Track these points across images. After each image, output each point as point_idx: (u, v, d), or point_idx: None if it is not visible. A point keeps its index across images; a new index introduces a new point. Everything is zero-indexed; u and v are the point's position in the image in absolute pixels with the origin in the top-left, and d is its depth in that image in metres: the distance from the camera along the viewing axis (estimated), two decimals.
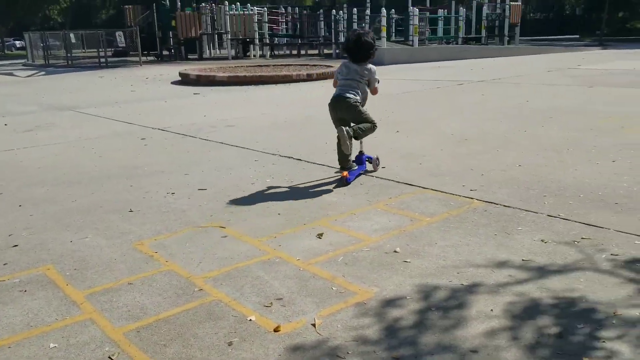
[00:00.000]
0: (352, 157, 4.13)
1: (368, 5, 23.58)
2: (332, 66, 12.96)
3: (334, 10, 21.67)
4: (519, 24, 23.69)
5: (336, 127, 4.05)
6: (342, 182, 3.90)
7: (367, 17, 21.10)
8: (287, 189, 3.83)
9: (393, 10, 23.71)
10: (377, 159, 4.25)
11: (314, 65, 13.68)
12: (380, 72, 12.55)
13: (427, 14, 22.48)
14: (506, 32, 22.20)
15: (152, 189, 3.95)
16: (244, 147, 5.25)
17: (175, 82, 12.08)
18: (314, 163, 4.55)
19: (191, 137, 5.86)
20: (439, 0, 31.03)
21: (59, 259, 2.73)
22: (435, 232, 2.89)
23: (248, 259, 2.63)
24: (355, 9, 20.80)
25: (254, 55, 20.36)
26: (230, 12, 20.04)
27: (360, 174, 4.10)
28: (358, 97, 4.10)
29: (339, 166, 4.16)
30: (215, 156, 4.94)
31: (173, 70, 14.01)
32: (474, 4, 23.65)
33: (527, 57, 17.56)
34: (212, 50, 22.08)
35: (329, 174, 4.20)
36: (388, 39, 18.88)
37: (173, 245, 2.85)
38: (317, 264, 2.55)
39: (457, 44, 20.48)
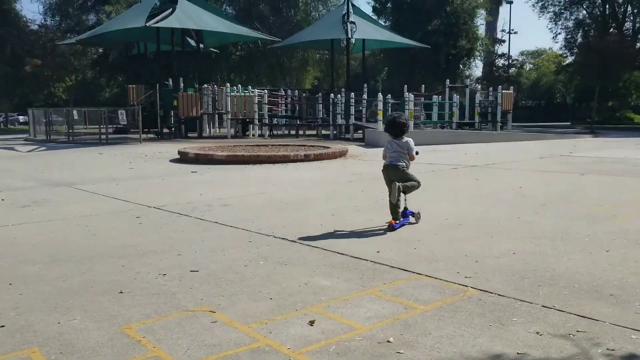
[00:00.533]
0: (401, 209, 5.24)
1: (365, 90, 24.36)
2: (329, 147, 13.21)
3: (332, 94, 22.34)
4: (511, 111, 24.36)
5: (388, 186, 5.33)
6: (389, 228, 5.04)
7: (364, 101, 21.73)
8: (280, 272, 3.80)
9: (389, 95, 24.48)
10: (419, 213, 5.41)
11: (312, 146, 13.93)
12: (376, 154, 12.72)
13: (422, 99, 23.18)
14: (499, 118, 22.78)
15: (143, 269, 3.92)
16: (238, 227, 5.25)
17: (174, 160, 12.25)
18: (308, 245, 4.54)
19: (186, 216, 5.88)
20: (434, 87, 32.08)
21: (45, 341, 2.67)
22: (430, 321, 2.85)
23: (237, 346, 2.58)
24: (353, 93, 21.47)
25: (253, 135, 20.77)
26: (232, 94, 20.63)
27: (404, 224, 5.20)
28: (404, 164, 5.43)
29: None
30: (209, 236, 4.93)
31: (172, 148, 14.23)
32: (467, 91, 24.44)
33: (519, 143, 17.93)
34: (212, 129, 22.53)
35: (324, 256, 4.19)
36: (384, 122, 19.36)
37: (161, 330, 2.79)
38: (307, 353, 2.49)
39: (451, 128, 20.97)
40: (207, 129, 22.04)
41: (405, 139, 5.50)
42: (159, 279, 3.69)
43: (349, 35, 23.87)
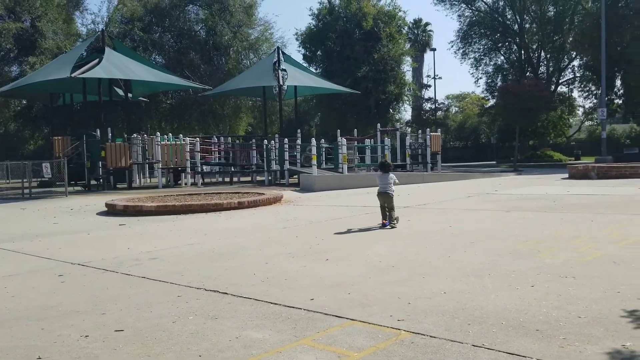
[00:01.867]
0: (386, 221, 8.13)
1: (299, 135, 24.61)
2: (263, 193, 13.13)
3: (265, 140, 22.41)
4: (440, 152, 25.22)
5: (381, 204, 8.25)
6: (382, 226, 8.06)
7: (298, 147, 21.92)
8: (210, 327, 3.66)
9: (323, 140, 24.85)
10: (396, 220, 8.20)
11: (246, 193, 13.81)
12: (311, 199, 12.83)
13: (355, 143, 23.66)
14: (429, 159, 23.54)
15: (64, 331, 3.68)
16: (167, 282, 5.06)
17: (101, 213, 11.80)
18: (240, 296, 4.42)
19: (112, 272, 5.62)
20: (366, 131, 32.88)
21: None
22: None
23: None
24: (286, 138, 21.63)
25: (186, 184, 20.42)
26: (162, 142, 20.30)
27: (387, 226, 8.02)
28: (391, 192, 8.25)
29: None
30: (136, 292, 4.72)
31: (100, 201, 13.73)
32: (398, 134, 25.18)
33: (449, 183, 18.52)
34: (142, 179, 21.99)
35: (257, 307, 4.08)
36: (319, 166, 19.54)
37: None
38: None
39: None
40: (137, 180, 21.50)
41: (390, 174, 8.54)
42: (80, 341, 3.47)
43: (281, 83, 24.22)
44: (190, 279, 5.13)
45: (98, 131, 21.43)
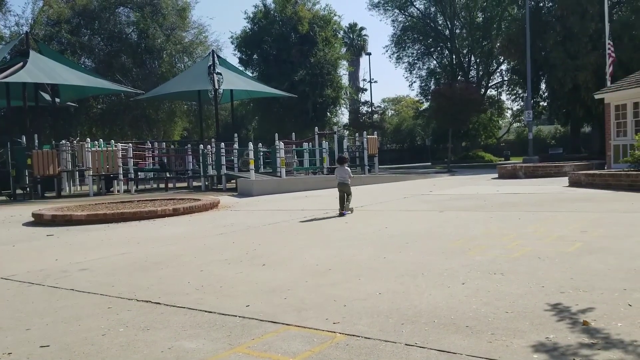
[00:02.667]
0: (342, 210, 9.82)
1: (236, 139, 24.39)
2: (200, 199, 12.90)
3: (201, 145, 22.07)
4: (377, 154, 25.63)
5: (340, 195, 9.89)
6: (340, 215, 9.56)
7: (235, 151, 21.71)
8: (142, 338, 3.55)
9: (260, 144, 24.72)
10: (352, 210, 9.95)
11: (181, 199, 13.53)
12: (249, 204, 12.70)
13: (294, 146, 23.68)
14: (366, 162, 23.87)
15: None
16: (97, 293, 4.87)
17: (27, 224, 11.24)
18: (174, 306, 4.31)
19: (38, 285, 5.35)
20: (304, 134, 32.97)
21: None
22: None
23: None
24: (223, 143, 21.38)
25: (118, 191, 19.79)
26: (93, 149, 19.61)
27: (345, 215, 9.60)
28: (347, 182, 9.94)
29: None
30: (63, 306, 4.51)
31: (26, 211, 13.09)
32: (336, 137, 25.41)
33: (386, 184, 18.85)
34: (72, 187, 21.15)
35: (190, 316, 3.99)
36: (257, 170, 19.43)
37: None
38: None
39: (322, 174, 21.54)
40: (67, 188, 20.66)
41: (346, 167, 10.31)
42: (3, 359, 3.28)
43: (216, 86, 23.93)
44: (121, 289, 4.96)
45: (24, 138, 20.46)
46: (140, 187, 22.38)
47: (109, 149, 20.43)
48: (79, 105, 31.17)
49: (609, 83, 21.81)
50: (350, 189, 9.99)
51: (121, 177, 19.79)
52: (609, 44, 23.03)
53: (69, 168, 20.19)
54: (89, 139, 20.81)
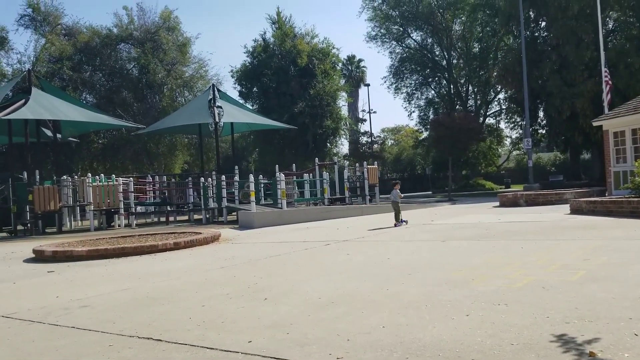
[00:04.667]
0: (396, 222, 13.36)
1: (236, 171, 24.46)
2: (201, 232, 12.87)
3: (202, 177, 22.13)
4: (378, 184, 25.64)
5: (394, 212, 13.78)
6: (395, 226, 13.27)
7: (236, 183, 21.75)
8: None
9: (261, 175, 24.78)
10: (406, 221, 13.53)
11: (182, 233, 13.50)
12: (250, 236, 12.66)
13: (294, 177, 23.72)
14: (367, 191, 23.87)
15: None
16: (98, 331, 4.83)
17: (28, 260, 11.19)
18: (175, 343, 4.26)
19: (39, 323, 5.31)
20: (304, 165, 33.08)
21: None
22: None
23: None
24: (224, 175, 21.43)
25: (119, 226, 19.75)
26: (94, 184, 19.66)
27: (401, 225, 13.23)
28: (397, 200, 13.83)
29: None
30: (64, 344, 4.47)
31: (27, 247, 13.05)
32: (336, 167, 25.48)
33: (387, 214, 18.81)
34: (73, 223, 21.13)
35: (192, 353, 3.94)
36: (257, 202, 19.43)
37: None
38: None
39: (323, 204, 21.52)
40: (68, 223, 20.64)
41: (395, 190, 13.91)
42: None
43: (217, 119, 24.12)
44: (122, 326, 4.91)
45: (25, 173, 20.53)
46: (141, 220, 22.35)
47: (110, 183, 20.48)
48: (80, 140, 31.40)
49: (606, 110, 21.98)
50: (399, 208, 13.69)
51: (122, 211, 19.78)
52: (605, 71, 23.28)
53: (70, 203, 20.20)
54: (90, 174, 20.88)
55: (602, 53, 23.55)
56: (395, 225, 13.25)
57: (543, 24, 34.20)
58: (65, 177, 20.71)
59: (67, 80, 35.38)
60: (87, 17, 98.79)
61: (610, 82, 23.43)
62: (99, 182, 20.69)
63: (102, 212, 20.25)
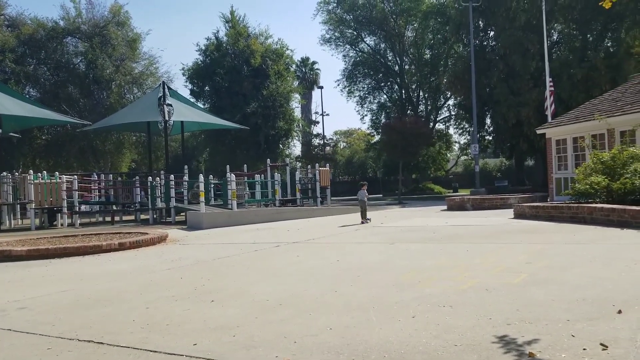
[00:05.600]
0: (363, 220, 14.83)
1: (186, 171, 24.05)
2: (147, 233, 12.58)
3: (150, 177, 21.65)
4: (329, 186, 25.74)
5: (361, 210, 15.18)
6: (361, 223, 14.62)
7: (185, 183, 21.38)
8: None
9: (211, 175, 24.45)
10: (369, 220, 15.03)
11: (128, 233, 13.15)
12: (198, 237, 12.46)
13: (245, 178, 23.51)
14: (318, 193, 23.91)
15: None
16: (36, 333, 4.63)
17: None
18: (117, 346, 4.14)
19: None
20: (256, 166, 32.88)
21: None
22: None
23: None
24: (173, 175, 21.04)
25: (62, 225, 19.07)
26: (35, 181, 18.93)
27: (365, 223, 14.64)
28: (364, 200, 15.19)
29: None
30: None
31: None
32: (288, 169, 25.42)
33: (338, 216, 18.92)
34: (12, 221, 20.26)
35: (135, 356, 3.84)
36: (207, 203, 19.15)
37: None
38: None
39: (274, 206, 21.42)
40: (8, 221, 19.78)
41: (362, 191, 15.27)
42: None
43: (166, 118, 23.66)
44: (62, 329, 4.74)
45: None
46: (85, 220, 21.66)
47: (52, 181, 19.77)
48: (22, 136, 30.16)
49: (550, 119, 22.78)
50: (366, 206, 15.18)
51: (65, 210, 19.11)
52: (549, 81, 24.15)
53: (10, 201, 19.38)
54: (31, 171, 20.08)
55: (547, 63, 24.41)
56: (362, 223, 14.67)
57: (492, 33, 35.19)
58: (5, 173, 19.84)
59: (9, 73, 33.98)
60: (32, 9, 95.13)
61: (553, 91, 24.32)
62: (41, 179, 19.92)
63: (44, 211, 19.51)
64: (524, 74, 29.69)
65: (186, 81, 40.39)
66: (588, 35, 31.71)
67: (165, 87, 25.22)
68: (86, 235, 12.95)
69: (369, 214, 15.52)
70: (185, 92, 38.75)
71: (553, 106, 23.93)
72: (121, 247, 10.83)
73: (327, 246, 10.09)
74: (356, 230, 12.97)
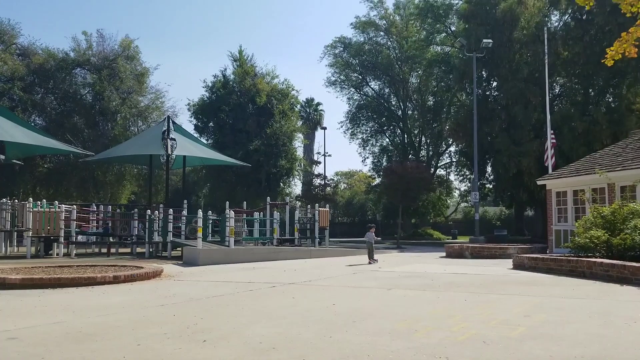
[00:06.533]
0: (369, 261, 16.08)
1: (185, 205, 24.02)
2: (142, 267, 12.47)
3: (149, 210, 21.61)
4: (328, 227, 25.66)
5: (368, 251, 16.56)
6: (368, 264, 15.83)
7: (184, 218, 21.31)
8: None
9: (210, 211, 24.40)
10: (376, 260, 16.43)
11: (123, 266, 13.04)
12: (193, 274, 12.34)
13: (244, 215, 23.46)
14: (317, 234, 23.82)
15: None
16: None
17: None
18: None
19: None
20: (255, 204, 32.85)
21: None
22: None
23: None
24: (172, 209, 20.99)
25: (57, 254, 18.92)
26: (34, 209, 18.89)
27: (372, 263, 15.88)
28: (372, 242, 16.65)
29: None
30: None
31: None
32: (288, 208, 25.40)
33: (335, 258, 18.81)
34: (8, 248, 20.11)
35: None
36: (205, 239, 19.06)
37: None
38: None
39: (272, 244, 21.31)
40: (3, 249, 19.65)
41: (371, 233, 16.80)
42: None
43: (169, 151, 23.78)
44: None
45: None
46: (81, 251, 21.52)
47: (51, 209, 19.72)
48: (24, 163, 30.27)
49: (550, 170, 22.90)
50: (372, 249, 16.52)
51: (62, 239, 19.00)
52: (551, 133, 24.38)
53: (8, 228, 19.30)
54: (31, 199, 20.06)
55: (548, 116, 24.70)
56: (369, 263, 15.80)
57: (494, 83, 35.72)
58: (4, 200, 19.83)
59: (16, 100, 34.37)
60: (44, 39, 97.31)
61: (554, 142, 24.53)
62: (40, 207, 19.88)
63: (40, 239, 19.40)
64: (525, 124, 29.99)
65: (191, 116, 40.78)
66: (590, 90, 32.18)
67: (170, 121, 25.44)
68: (81, 267, 12.84)
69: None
70: (189, 127, 39.09)
71: (554, 158, 24.08)
72: (115, 280, 10.73)
73: (324, 289, 9.99)
74: (354, 274, 12.86)
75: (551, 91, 31.29)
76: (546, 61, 25.74)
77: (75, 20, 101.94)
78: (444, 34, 43.70)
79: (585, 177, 18.06)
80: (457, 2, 41.17)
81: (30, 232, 18.40)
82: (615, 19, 25.83)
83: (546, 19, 33.28)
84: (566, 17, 33.87)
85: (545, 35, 26.34)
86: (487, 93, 35.87)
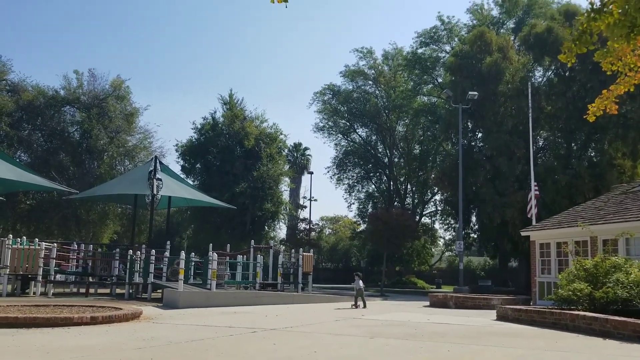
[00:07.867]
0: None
1: (168, 247, 23.73)
2: (121, 308, 12.20)
3: (131, 250, 21.31)
4: (312, 272, 25.43)
5: (355, 296, 17.86)
6: (352, 307, 17.32)
7: (166, 259, 21.02)
8: None
9: (193, 253, 24.11)
10: (365, 306, 17.33)
11: (101, 307, 12.74)
12: (173, 316, 12.13)
13: (227, 258, 23.20)
14: (300, 279, 23.57)
15: None
16: None
17: None
18: None
19: None
20: (239, 246, 32.57)
21: None
22: None
23: None
24: (154, 249, 20.71)
25: (34, 293, 18.48)
26: (13, 246, 18.54)
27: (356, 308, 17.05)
28: (361, 288, 17.76)
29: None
30: None
31: None
32: (272, 252, 25.19)
33: (318, 304, 18.57)
34: None
35: None
36: (186, 281, 18.75)
37: None
38: None
39: (254, 289, 21.02)
40: None
41: (359, 281, 17.77)
42: None
43: (155, 192, 23.65)
44: None
45: None
46: (60, 290, 21.04)
47: (31, 247, 19.37)
48: (6, 199, 29.89)
49: (534, 221, 23.07)
50: (363, 296, 17.69)
51: (39, 278, 18.59)
52: (534, 185, 24.68)
53: None
54: (11, 235, 19.72)
55: (532, 168, 25.07)
56: (354, 307, 17.36)
57: (480, 134, 36.34)
58: None
59: (2, 136, 34.19)
60: (35, 77, 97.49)
61: (537, 194, 24.81)
62: (20, 244, 19.53)
63: (17, 277, 18.97)
64: (509, 175, 30.38)
65: (178, 157, 40.76)
66: (572, 144, 32.86)
67: (157, 161, 25.41)
68: (58, 306, 12.54)
69: (359, 303, 17.70)
70: (176, 168, 39.01)
71: (536, 209, 24.31)
72: (93, 321, 10.47)
73: (305, 335, 9.82)
74: (336, 321, 12.68)
75: (535, 144, 31.87)
76: (530, 115, 26.33)
77: (68, 59, 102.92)
78: (430, 85, 44.69)
79: (569, 229, 18.20)
80: (444, 55, 42.35)
81: (8, 270, 18.00)
82: (597, 76, 26.65)
83: (530, 74, 34.22)
84: (549, 73, 34.89)
85: (529, 90, 27.04)
86: (473, 143, 36.43)
